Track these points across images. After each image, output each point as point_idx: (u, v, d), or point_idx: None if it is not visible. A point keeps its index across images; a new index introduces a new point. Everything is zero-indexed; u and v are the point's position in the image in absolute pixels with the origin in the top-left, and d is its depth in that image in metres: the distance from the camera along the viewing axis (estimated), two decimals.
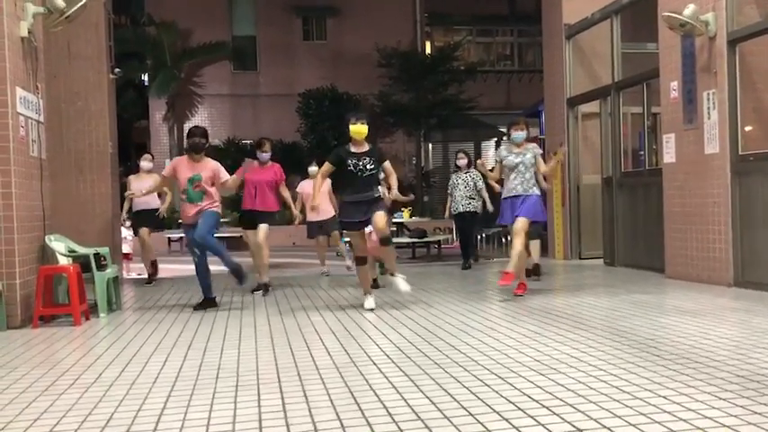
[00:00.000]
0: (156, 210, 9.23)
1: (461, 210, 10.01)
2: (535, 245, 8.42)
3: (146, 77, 22.66)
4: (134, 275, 10.53)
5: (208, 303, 6.75)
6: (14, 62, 6.02)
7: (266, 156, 7.96)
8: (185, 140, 7.09)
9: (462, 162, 10.17)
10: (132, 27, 22.78)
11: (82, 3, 6.37)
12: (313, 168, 9.79)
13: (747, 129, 7.24)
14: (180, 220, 6.69)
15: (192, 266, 6.91)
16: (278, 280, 8.17)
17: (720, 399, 3.25)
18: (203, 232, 6.49)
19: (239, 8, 22.13)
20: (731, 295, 6.60)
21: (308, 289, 8.13)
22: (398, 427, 3.00)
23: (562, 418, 3.04)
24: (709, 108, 7.30)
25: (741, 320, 5.33)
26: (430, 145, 22.79)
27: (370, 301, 6.40)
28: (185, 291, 8.20)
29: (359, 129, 6.31)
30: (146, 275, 9.41)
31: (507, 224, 7.03)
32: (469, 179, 10.00)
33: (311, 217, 9.32)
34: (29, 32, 6.25)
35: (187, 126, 21.41)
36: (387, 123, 20.61)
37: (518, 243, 6.72)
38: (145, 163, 9.47)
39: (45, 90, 6.83)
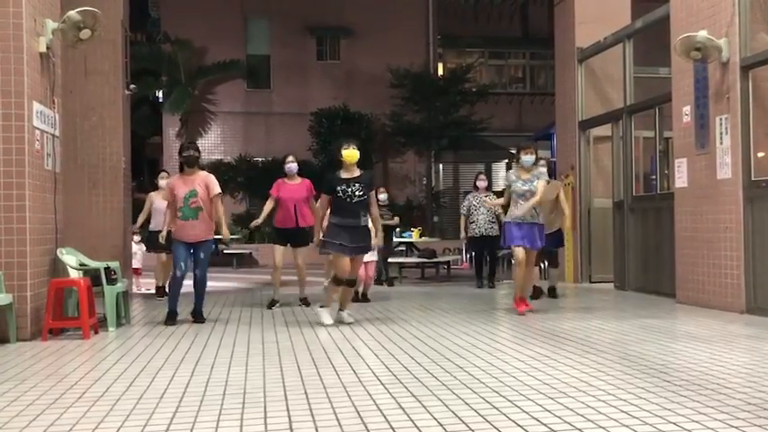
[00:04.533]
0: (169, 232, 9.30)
1: (484, 233, 10.07)
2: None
3: (160, 94, 22.89)
4: (143, 290, 10.55)
5: (173, 316, 6.80)
6: (32, 77, 6.10)
7: (293, 166, 8.01)
8: (179, 156, 7.15)
9: (483, 184, 10.28)
10: (148, 44, 23.06)
11: (95, 13, 6.43)
12: None
13: (760, 154, 7.22)
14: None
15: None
16: (285, 297, 8.17)
17: (732, 426, 3.21)
18: (204, 272, 6.92)
19: (254, 27, 22.37)
20: (743, 322, 6.53)
21: (316, 306, 8.10)
22: None
23: None
24: (721, 133, 7.28)
25: (753, 347, 5.27)
26: (440, 165, 22.83)
27: (326, 316, 6.50)
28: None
29: (351, 153, 6.48)
30: (153, 290, 9.45)
31: (513, 245, 7.14)
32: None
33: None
34: (47, 48, 6.34)
35: (200, 142, 21.59)
36: (398, 143, 20.69)
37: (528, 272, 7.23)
38: (162, 181, 9.50)
39: (61, 104, 6.91)
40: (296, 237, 7.95)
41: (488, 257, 10.48)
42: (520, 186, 7.08)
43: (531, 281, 7.66)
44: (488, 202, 8.39)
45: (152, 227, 9.31)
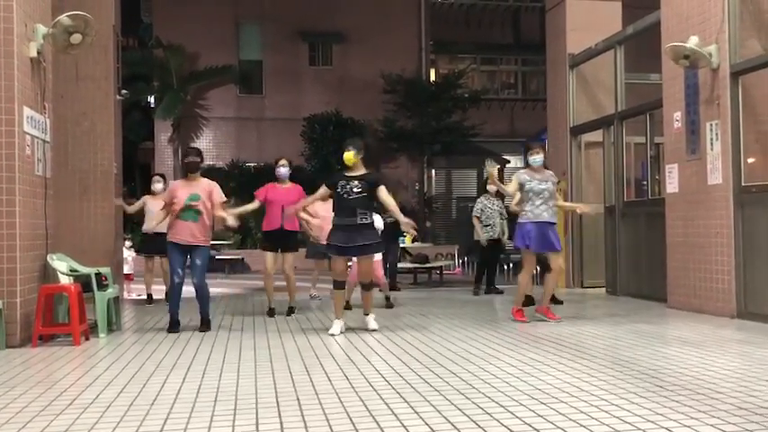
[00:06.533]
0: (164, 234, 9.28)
1: (496, 236, 9.94)
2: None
3: (152, 99, 22.84)
4: (134, 296, 10.51)
5: (174, 324, 6.75)
6: (23, 82, 6.07)
7: (284, 170, 7.87)
8: (181, 161, 7.17)
9: (493, 188, 10.12)
10: (140, 49, 23.03)
11: (87, 19, 6.41)
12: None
13: (750, 160, 7.26)
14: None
15: (191, 288, 6.90)
16: (279, 304, 8.13)
17: (723, 431, 3.22)
18: (202, 279, 6.81)
19: (246, 33, 22.38)
20: (734, 327, 6.56)
21: (308, 312, 8.09)
22: None
23: None
24: (712, 139, 7.33)
25: (744, 352, 5.29)
26: (433, 171, 22.88)
27: (336, 327, 6.38)
28: (186, 312, 8.15)
29: (346, 156, 6.45)
30: (145, 296, 9.40)
31: (533, 248, 7.02)
32: (501, 207, 10.01)
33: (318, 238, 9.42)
34: (38, 53, 6.31)
35: None
36: (390, 149, 20.72)
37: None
38: (158, 185, 9.46)
39: (52, 110, 6.88)
40: (282, 240, 7.78)
41: (493, 262, 10.34)
42: (536, 185, 6.98)
43: (553, 285, 7.42)
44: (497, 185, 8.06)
45: (145, 228, 9.25)
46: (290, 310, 7.91)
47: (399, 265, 12.06)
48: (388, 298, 8.55)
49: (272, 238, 7.81)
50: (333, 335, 6.27)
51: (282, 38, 21.88)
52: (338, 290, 6.51)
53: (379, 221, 7.44)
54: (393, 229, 10.53)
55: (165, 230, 9.21)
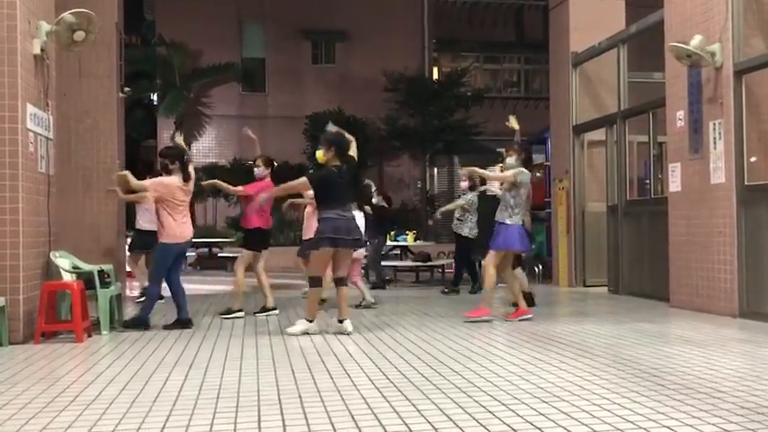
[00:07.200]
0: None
1: (454, 230, 10.13)
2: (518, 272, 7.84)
3: (155, 97, 22.86)
4: (137, 293, 10.51)
5: (183, 323, 6.78)
6: (26, 79, 6.08)
7: (257, 171, 7.96)
8: None
9: (463, 184, 10.24)
10: (143, 47, 23.04)
11: (91, 16, 6.41)
12: None
13: (753, 159, 7.24)
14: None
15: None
16: (280, 301, 8.14)
17: (725, 430, 3.22)
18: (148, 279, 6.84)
19: (249, 31, 22.39)
20: (736, 326, 6.55)
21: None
22: None
23: None
24: (715, 138, 7.32)
25: (746, 351, 5.29)
26: (435, 169, 22.87)
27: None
28: (188, 310, 8.16)
29: (317, 155, 6.50)
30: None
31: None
32: (467, 200, 9.96)
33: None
34: (41, 50, 6.32)
35: (195, 146, 21.59)
36: (393, 147, 20.72)
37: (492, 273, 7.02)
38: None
39: (55, 107, 6.89)
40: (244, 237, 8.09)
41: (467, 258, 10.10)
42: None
43: (511, 284, 7.19)
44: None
45: (139, 226, 9.20)
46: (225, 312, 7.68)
47: (401, 263, 12.05)
48: (366, 302, 8.27)
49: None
50: (293, 335, 6.24)
51: (285, 36, 21.88)
52: (338, 288, 6.48)
53: (359, 218, 7.50)
54: (376, 224, 10.36)
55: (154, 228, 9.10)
